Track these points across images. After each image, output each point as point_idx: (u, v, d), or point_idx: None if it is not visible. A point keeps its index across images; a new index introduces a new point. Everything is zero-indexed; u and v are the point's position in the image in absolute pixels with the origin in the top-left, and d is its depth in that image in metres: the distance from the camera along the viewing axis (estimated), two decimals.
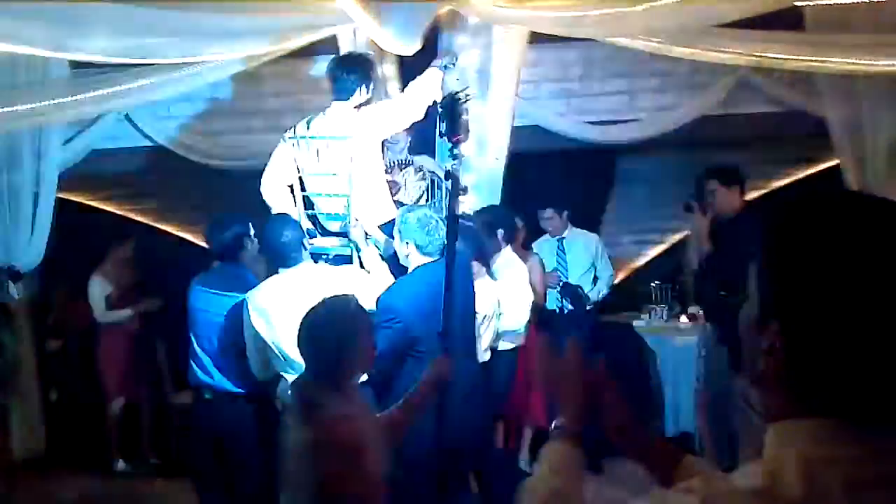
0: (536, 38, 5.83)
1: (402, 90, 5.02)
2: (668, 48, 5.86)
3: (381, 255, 4.32)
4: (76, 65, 5.99)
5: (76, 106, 5.71)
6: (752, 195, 8.57)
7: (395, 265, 4.25)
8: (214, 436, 4.49)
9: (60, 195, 6.61)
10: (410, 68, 5.19)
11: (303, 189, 4.57)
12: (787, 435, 1.02)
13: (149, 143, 6.69)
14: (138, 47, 4.87)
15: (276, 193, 4.56)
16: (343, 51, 5.17)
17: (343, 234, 4.49)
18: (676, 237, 10.38)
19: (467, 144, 6.17)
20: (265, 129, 6.16)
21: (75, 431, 6.85)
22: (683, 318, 7.01)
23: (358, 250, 4.39)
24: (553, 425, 1.58)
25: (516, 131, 6.19)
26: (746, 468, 1.04)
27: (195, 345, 4.48)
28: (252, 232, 4.46)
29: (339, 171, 4.43)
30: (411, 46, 4.82)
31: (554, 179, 6.84)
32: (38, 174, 6.35)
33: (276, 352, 3.95)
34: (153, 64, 5.41)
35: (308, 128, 4.58)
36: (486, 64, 5.75)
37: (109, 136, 6.61)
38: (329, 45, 5.29)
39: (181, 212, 8.24)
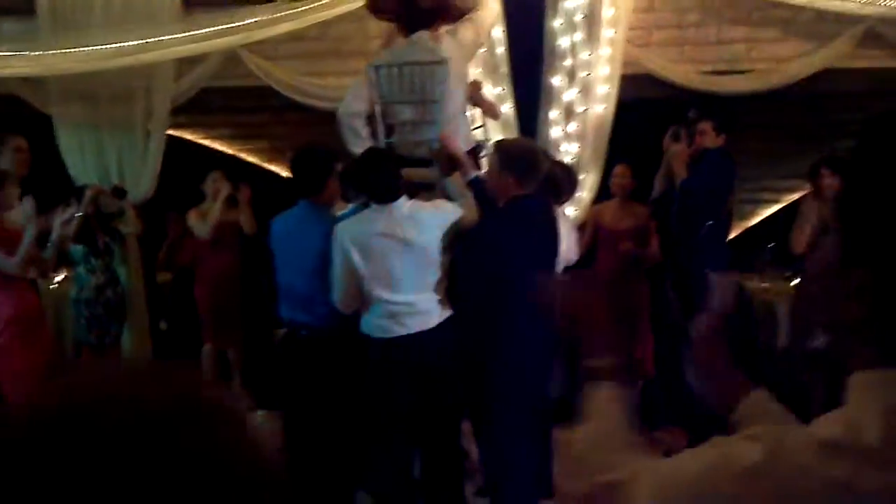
0: None
1: None
2: None
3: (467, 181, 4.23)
4: (187, 2, 6.10)
5: (186, 42, 5.83)
6: None
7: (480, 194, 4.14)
8: (308, 373, 4.41)
9: (171, 132, 6.75)
10: None
11: (385, 117, 4.47)
12: (870, 384, 0.96)
13: (258, 83, 6.74)
14: None
15: (354, 124, 4.43)
16: None
17: (427, 160, 4.41)
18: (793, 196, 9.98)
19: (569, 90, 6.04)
20: None
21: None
22: None
23: (444, 176, 4.34)
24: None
25: (624, 79, 6.01)
26: (825, 418, 0.98)
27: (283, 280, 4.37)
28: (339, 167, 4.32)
29: (429, 97, 4.35)
30: None
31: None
32: (149, 109, 6.51)
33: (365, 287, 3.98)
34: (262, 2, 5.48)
35: (394, 55, 4.47)
36: (594, 8, 5.61)
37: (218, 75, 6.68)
38: None
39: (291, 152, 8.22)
